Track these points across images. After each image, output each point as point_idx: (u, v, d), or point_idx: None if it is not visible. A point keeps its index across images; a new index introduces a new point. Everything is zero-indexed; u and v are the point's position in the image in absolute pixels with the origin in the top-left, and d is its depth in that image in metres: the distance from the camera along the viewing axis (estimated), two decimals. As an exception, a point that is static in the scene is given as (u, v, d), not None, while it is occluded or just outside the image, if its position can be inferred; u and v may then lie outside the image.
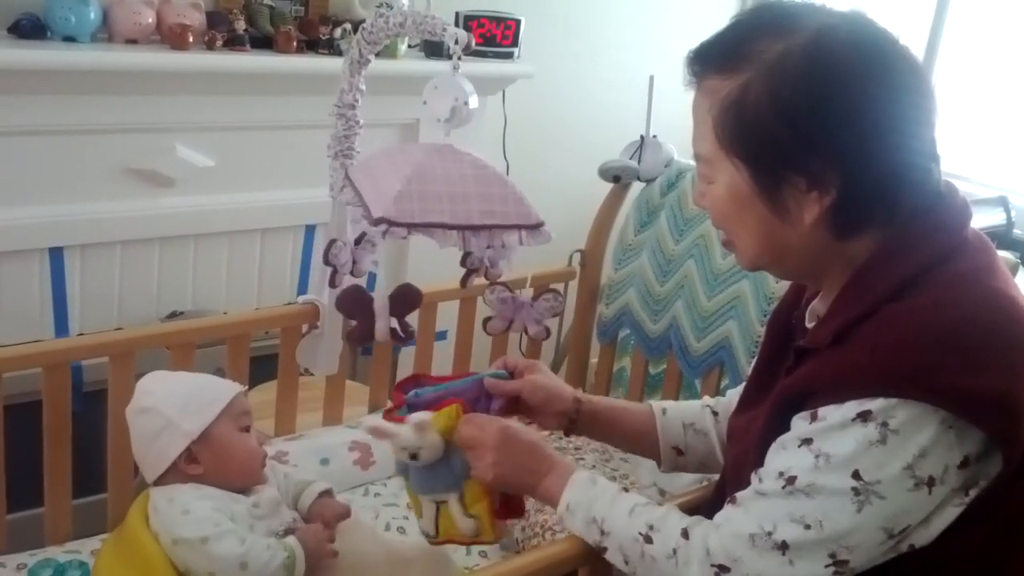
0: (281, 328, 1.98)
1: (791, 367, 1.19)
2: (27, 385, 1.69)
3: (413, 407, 1.40)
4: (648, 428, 1.52)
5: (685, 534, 1.18)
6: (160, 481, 1.50)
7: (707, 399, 1.57)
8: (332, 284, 1.85)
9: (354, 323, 1.85)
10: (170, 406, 1.49)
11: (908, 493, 1.04)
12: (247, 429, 1.55)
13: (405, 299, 1.76)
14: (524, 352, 2.34)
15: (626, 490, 1.29)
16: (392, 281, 2.59)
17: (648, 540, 1.20)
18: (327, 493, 1.60)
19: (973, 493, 1.07)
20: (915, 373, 1.03)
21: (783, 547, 1.09)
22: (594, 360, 2.36)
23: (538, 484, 1.33)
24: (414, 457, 1.34)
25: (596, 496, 1.27)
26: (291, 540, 1.44)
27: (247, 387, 1.91)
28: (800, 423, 1.11)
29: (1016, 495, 1.09)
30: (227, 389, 1.55)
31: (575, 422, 1.50)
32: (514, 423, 1.37)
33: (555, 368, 2.45)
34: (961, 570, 1.11)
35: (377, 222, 1.43)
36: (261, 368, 2.09)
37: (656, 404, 1.55)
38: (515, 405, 1.47)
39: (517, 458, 1.32)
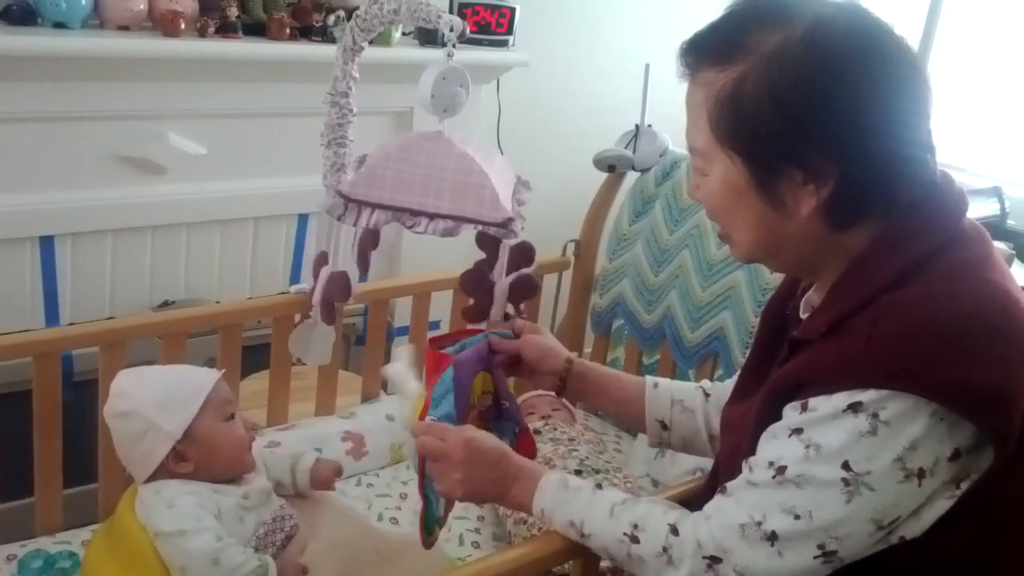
0: (274, 318, 1.98)
1: (785, 358, 1.19)
2: (17, 374, 1.69)
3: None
4: (636, 398, 1.52)
5: (674, 530, 1.17)
6: (150, 480, 1.49)
7: (705, 382, 1.57)
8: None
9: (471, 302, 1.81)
10: (149, 407, 1.47)
11: (898, 485, 1.04)
12: (231, 417, 1.53)
13: (523, 288, 1.73)
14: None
15: (599, 486, 1.28)
16: (385, 271, 2.60)
17: (634, 540, 1.19)
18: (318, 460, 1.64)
19: (964, 486, 1.07)
20: (907, 365, 1.03)
21: (772, 538, 1.09)
22: (588, 350, 2.36)
23: (505, 493, 1.31)
24: None
25: (570, 499, 1.26)
26: (268, 559, 1.42)
27: (238, 375, 1.92)
28: (791, 413, 1.11)
29: (1008, 488, 1.09)
30: (204, 380, 1.52)
31: (565, 382, 1.52)
32: (476, 431, 1.34)
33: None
34: (952, 563, 1.11)
35: (506, 223, 1.46)
36: (254, 357, 2.09)
37: (651, 378, 1.55)
38: (516, 363, 1.52)
39: (484, 470, 1.30)
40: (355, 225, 1.49)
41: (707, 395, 1.51)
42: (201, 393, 1.50)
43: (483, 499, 1.37)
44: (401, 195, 1.45)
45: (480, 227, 1.51)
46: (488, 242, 1.67)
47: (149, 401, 1.48)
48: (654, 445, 1.56)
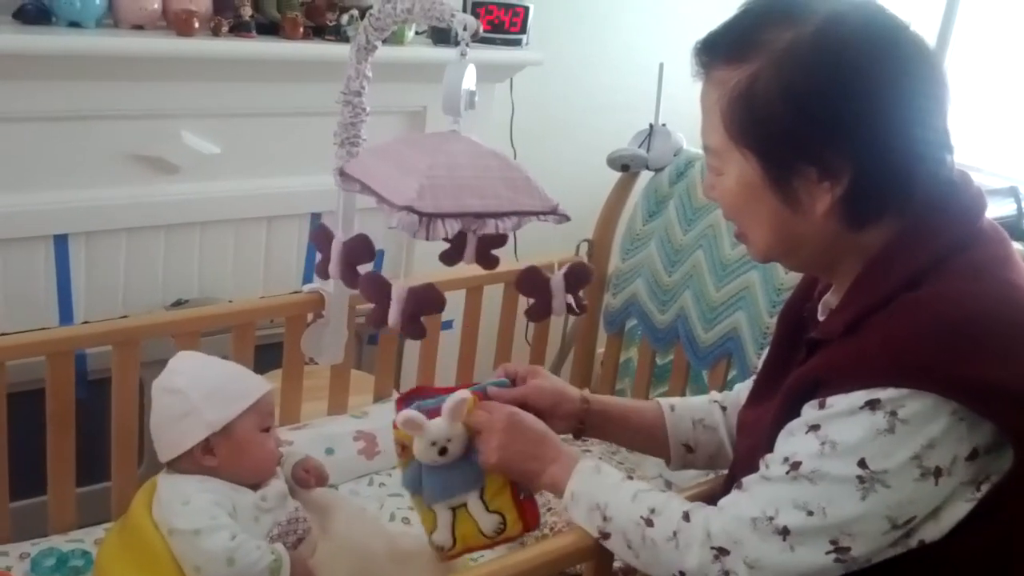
0: (286, 317, 1.98)
1: (803, 359, 1.18)
2: (31, 373, 1.69)
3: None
4: (657, 426, 1.51)
5: (686, 517, 1.18)
6: (173, 465, 1.50)
7: (715, 394, 1.56)
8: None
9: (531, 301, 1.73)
10: (198, 392, 1.48)
11: (914, 483, 1.04)
12: (268, 430, 1.54)
13: (578, 276, 1.72)
14: (530, 342, 2.33)
15: (631, 477, 1.29)
16: (397, 268, 2.60)
17: (649, 524, 1.20)
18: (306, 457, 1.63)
19: (984, 488, 1.06)
20: (927, 364, 1.02)
21: (784, 532, 1.08)
22: (600, 350, 2.35)
23: (543, 471, 1.34)
24: (443, 452, 1.37)
25: (600, 483, 1.28)
26: (280, 547, 1.43)
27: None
28: (809, 410, 1.11)
29: (1028, 493, 1.07)
30: (257, 385, 1.54)
31: (584, 423, 1.49)
32: (523, 412, 1.38)
33: (561, 359, 2.44)
34: (971, 569, 1.10)
35: (555, 209, 1.51)
36: (266, 357, 2.08)
37: (664, 401, 1.54)
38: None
39: (523, 444, 1.34)
40: (428, 239, 1.45)
41: (723, 408, 1.51)
42: (251, 396, 1.51)
43: (518, 472, 1.36)
44: (461, 200, 1.44)
45: (541, 218, 1.52)
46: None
47: (200, 386, 1.49)
48: (677, 468, 1.54)
